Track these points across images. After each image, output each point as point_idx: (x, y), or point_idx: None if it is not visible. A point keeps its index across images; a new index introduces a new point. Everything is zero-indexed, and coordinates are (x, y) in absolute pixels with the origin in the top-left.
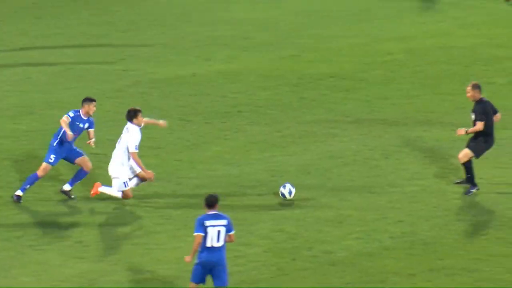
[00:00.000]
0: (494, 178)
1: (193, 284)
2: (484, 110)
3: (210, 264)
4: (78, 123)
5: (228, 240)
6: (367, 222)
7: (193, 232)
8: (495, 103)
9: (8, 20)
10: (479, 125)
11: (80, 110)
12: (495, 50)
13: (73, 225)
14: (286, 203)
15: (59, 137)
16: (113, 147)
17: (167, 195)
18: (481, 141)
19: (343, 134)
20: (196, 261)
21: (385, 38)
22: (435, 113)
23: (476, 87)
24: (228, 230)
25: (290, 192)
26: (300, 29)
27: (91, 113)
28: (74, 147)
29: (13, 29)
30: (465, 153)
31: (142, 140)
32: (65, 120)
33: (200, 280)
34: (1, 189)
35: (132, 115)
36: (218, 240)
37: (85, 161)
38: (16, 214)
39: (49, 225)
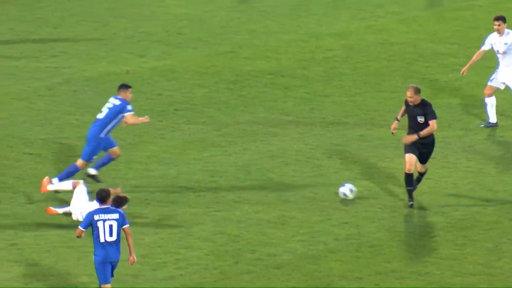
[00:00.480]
0: (442, 178)
1: (106, 285)
2: (433, 109)
3: (109, 260)
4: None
5: (126, 234)
6: (311, 223)
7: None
8: (438, 101)
9: None
10: (435, 125)
11: (121, 97)
12: (437, 46)
13: (6, 227)
14: (226, 205)
15: (109, 127)
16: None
17: None
18: (432, 145)
19: (284, 133)
20: (95, 259)
21: (324, 34)
22: (377, 111)
23: (418, 91)
24: (122, 224)
25: (351, 190)
26: (236, 25)
27: (128, 100)
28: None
29: None
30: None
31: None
32: (133, 116)
33: (108, 277)
34: None
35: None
36: (111, 235)
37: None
38: None
39: None
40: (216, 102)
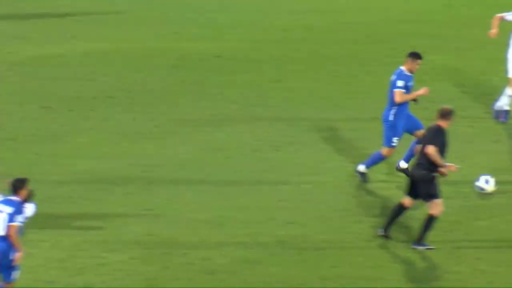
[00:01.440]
0: None
1: None
2: None
3: None
4: (408, 83)
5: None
6: (252, 224)
7: None
8: None
9: None
10: None
11: (402, 68)
12: None
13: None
14: (158, 204)
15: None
16: None
17: None
18: None
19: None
20: None
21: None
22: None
23: None
24: (9, 219)
25: (487, 182)
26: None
27: (414, 71)
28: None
29: None
30: None
31: None
32: (401, 94)
33: None
34: None
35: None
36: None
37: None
38: None
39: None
40: (155, 89)
